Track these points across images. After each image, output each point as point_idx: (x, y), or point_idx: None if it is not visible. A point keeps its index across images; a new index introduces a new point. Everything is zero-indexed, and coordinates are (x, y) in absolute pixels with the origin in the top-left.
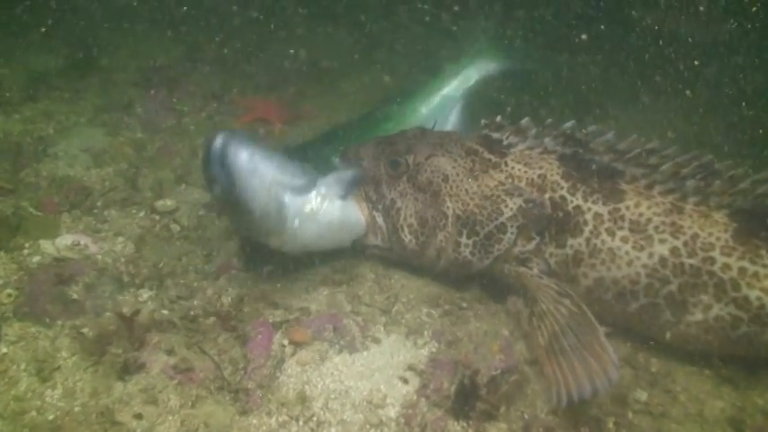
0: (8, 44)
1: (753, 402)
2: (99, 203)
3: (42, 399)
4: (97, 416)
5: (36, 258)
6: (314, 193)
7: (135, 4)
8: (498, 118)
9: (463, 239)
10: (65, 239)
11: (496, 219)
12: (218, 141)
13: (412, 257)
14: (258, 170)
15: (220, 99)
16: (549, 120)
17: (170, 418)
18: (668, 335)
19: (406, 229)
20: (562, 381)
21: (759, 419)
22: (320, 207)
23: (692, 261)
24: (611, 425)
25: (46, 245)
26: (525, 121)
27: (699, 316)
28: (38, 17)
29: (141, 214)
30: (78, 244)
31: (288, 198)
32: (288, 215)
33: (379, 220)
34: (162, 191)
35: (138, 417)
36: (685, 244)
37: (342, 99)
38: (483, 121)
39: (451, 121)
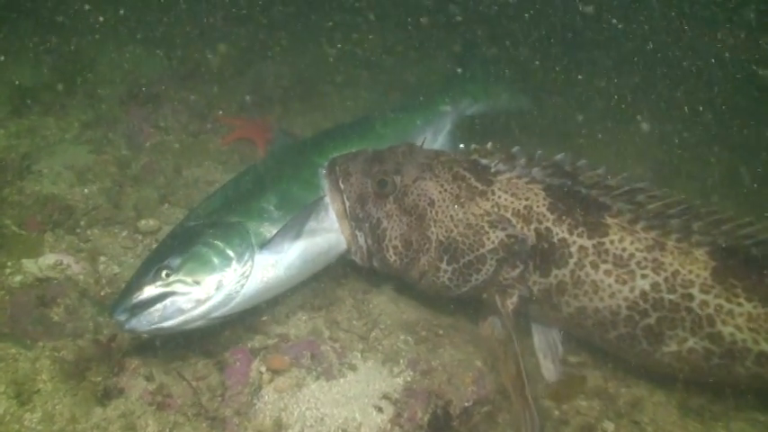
0: None
1: None
2: (82, 222)
3: (21, 422)
4: None
5: (18, 278)
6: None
7: (119, 19)
8: (489, 144)
9: (443, 265)
10: (47, 259)
11: (477, 250)
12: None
13: (396, 274)
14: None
15: (205, 117)
16: (540, 151)
17: None
18: (643, 362)
19: (391, 250)
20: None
21: None
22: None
23: (671, 297)
24: None
25: (28, 264)
26: (516, 149)
27: (674, 347)
28: (24, 31)
29: (124, 234)
30: (61, 263)
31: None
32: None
33: (361, 240)
34: (145, 210)
35: None
36: (666, 280)
37: (327, 118)
38: (473, 146)
39: (440, 142)
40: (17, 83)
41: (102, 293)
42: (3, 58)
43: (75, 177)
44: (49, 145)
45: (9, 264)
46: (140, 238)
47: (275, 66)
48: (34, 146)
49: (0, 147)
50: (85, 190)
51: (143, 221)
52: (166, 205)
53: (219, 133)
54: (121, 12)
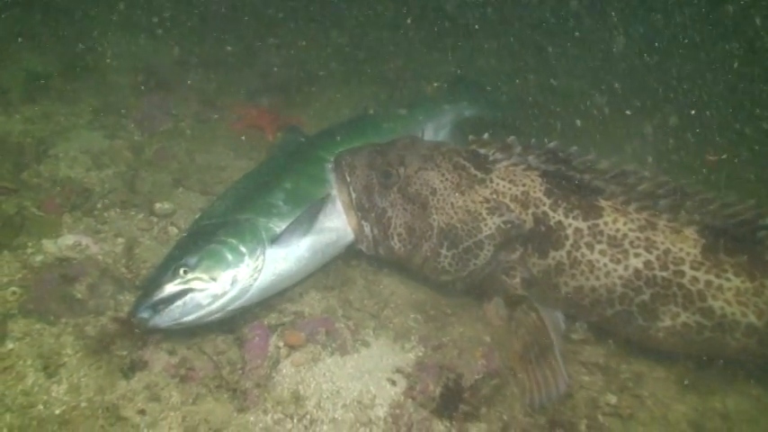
0: (5, 45)
1: (712, 407)
2: (99, 205)
3: (49, 393)
4: (103, 411)
5: (39, 257)
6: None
7: (129, 8)
8: (486, 135)
9: (443, 251)
10: (67, 239)
11: (475, 236)
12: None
13: (400, 262)
14: (182, 321)
15: (214, 104)
16: (534, 140)
17: (172, 414)
18: (639, 337)
19: (395, 238)
20: (533, 387)
21: (717, 422)
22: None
23: (663, 274)
24: (583, 426)
25: (48, 244)
26: (511, 139)
27: (668, 322)
28: (36, 19)
29: (140, 216)
30: (80, 244)
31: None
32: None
33: (367, 229)
34: (160, 194)
35: (142, 412)
36: (658, 258)
37: (330, 107)
38: (471, 137)
39: (441, 138)
40: (30, 70)
41: (122, 273)
42: (17, 42)
43: (90, 161)
44: (63, 130)
45: (30, 244)
46: (156, 220)
47: (281, 54)
48: (49, 131)
49: (16, 131)
50: (101, 174)
51: (158, 204)
52: (181, 189)
53: (229, 120)
54: (131, 2)
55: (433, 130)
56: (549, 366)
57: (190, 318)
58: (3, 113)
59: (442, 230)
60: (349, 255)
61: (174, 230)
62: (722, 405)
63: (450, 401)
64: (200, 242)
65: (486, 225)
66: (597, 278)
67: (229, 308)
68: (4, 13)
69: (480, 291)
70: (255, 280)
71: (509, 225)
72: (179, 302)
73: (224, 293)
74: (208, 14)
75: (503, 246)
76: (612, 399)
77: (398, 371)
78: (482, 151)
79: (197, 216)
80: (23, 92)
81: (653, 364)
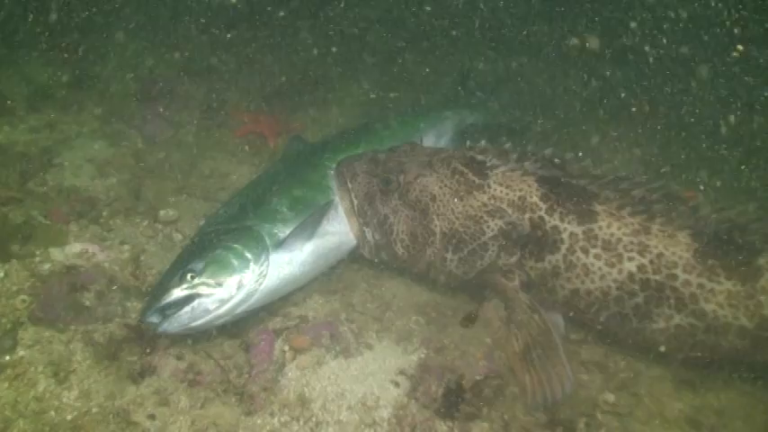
0: (9, 57)
1: (708, 403)
2: (105, 213)
3: (60, 399)
4: (114, 416)
5: (47, 266)
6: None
7: (129, 19)
8: (483, 142)
9: (449, 255)
10: (73, 247)
11: (479, 238)
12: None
13: (403, 266)
14: (191, 326)
15: (216, 112)
16: (530, 146)
17: (181, 418)
18: (634, 339)
19: (398, 244)
20: (536, 388)
21: (713, 419)
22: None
23: (656, 277)
24: (582, 425)
25: (56, 253)
26: (508, 145)
27: (661, 324)
28: (38, 31)
29: (145, 223)
30: (87, 252)
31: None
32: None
33: (369, 235)
34: (164, 201)
35: (152, 417)
36: (651, 262)
37: (331, 113)
38: (468, 143)
39: (443, 146)
40: (34, 80)
41: (128, 280)
42: (21, 53)
43: (95, 170)
44: (67, 139)
45: (38, 252)
46: (160, 227)
47: (281, 64)
48: (54, 140)
49: (22, 141)
50: (106, 182)
51: (162, 212)
52: (184, 196)
53: (230, 127)
54: (131, 12)
55: (435, 137)
56: (553, 367)
57: (198, 323)
58: (8, 123)
59: (445, 235)
60: (351, 259)
61: (178, 237)
62: (718, 402)
63: (453, 402)
64: (206, 248)
65: (488, 227)
66: (592, 281)
67: (236, 312)
68: (7, 24)
69: (483, 288)
70: (260, 284)
71: (510, 226)
72: (187, 308)
73: (230, 298)
74: (208, 24)
75: (505, 247)
76: (611, 397)
77: (401, 373)
78: (479, 157)
79: (202, 223)
80: (28, 102)
81: (650, 363)
